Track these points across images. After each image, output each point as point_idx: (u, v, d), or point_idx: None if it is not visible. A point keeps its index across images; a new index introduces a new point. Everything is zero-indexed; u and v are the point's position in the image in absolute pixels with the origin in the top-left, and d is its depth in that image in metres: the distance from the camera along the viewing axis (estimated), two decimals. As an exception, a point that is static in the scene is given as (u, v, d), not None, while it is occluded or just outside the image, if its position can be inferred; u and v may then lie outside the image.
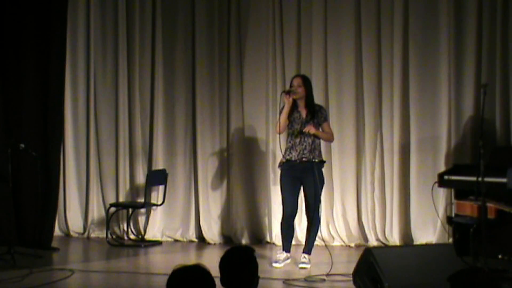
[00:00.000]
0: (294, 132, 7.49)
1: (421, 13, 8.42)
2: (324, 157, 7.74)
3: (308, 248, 7.56)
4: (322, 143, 7.77)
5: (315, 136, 7.45)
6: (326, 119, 7.60)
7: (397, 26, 8.47)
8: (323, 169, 7.59)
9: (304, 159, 7.44)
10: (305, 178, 7.45)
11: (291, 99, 7.47)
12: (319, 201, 7.51)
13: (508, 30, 8.03)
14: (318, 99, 8.67)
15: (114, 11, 9.33)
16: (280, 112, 7.55)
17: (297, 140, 7.47)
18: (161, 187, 9.10)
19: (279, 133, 7.55)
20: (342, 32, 8.71)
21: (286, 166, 7.52)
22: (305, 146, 7.45)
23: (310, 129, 7.39)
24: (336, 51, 8.73)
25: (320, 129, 7.53)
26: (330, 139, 7.74)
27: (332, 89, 8.73)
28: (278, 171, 7.76)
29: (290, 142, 7.53)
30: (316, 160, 7.48)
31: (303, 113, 7.52)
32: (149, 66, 9.28)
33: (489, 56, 8.15)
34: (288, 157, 7.49)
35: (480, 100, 7.29)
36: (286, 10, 8.85)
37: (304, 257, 7.52)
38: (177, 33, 9.21)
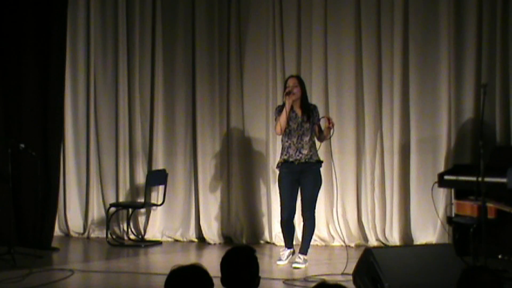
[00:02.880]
0: (290, 129, 7.51)
1: (421, 13, 8.42)
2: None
3: (304, 248, 7.58)
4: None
5: (320, 130, 7.49)
6: (320, 118, 7.63)
7: (397, 26, 8.47)
8: (321, 169, 7.60)
9: (302, 160, 7.48)
10: (302, 179, 7.50)
11: (291, 100, 7.51)
12: (315, 201, 7.54)
13: (508, 30, 8.03)
14: (318, 99, 8.70)
15: (114, 11, 9.33)
16: (278, 112, 7.58)
17: (294, 139, 7.51)
18: (161, 187, 9.10)
19: (280, 134, 7.61)
20: (342, 32, 8.71)
21: (285, 169, 7.56)
22: (302, 145, 7.50)
23: (329, 119, 7.45)
24: (336, 51, 8.73)
25: (316, 128, 7.58)
26: (324, 138, 7.72)
27: (332, 89, 8.73)
28: (278, 171, 7.77)
29: (287, 141, 7.57)
30: (314, 160, 7.51)
31: (299, 112, 7.58)
32: (149, 66, 9.29)
33: (489, 56, 8.15)
34: (285, 157, 7.54)
35: (480, 100, 7.29)
36: (286, 10, 8.85)
37: (299, 257, 7.54)
38: (177, 33, 9.21)
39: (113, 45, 9.35)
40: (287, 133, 7.57)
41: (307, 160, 7.48)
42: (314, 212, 7.56)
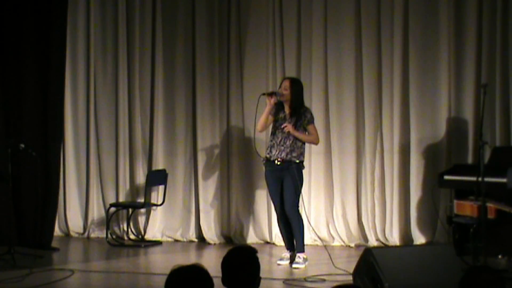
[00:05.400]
0: (276, 129, 7.59)
1: (421, 13, 8.42)
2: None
3: (298, 246, 7.59)
4: (308, 144, 7.78)
5: (295, 138, 7.51)
6: (310, 121, 7.61)
7: (397, 26, 8.47)
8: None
9: (282, 159, 7.51)
10: (284, 178, 7.54)
11: (272, 101, 7.57)
12: (298, 199, 7.54)
13: (508, 30, 8.04)
14: (318, 99, 8.71)
15: (114, 11, 9.33)
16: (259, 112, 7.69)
17: (278, 139, 7.55)
18: (161, 187, 9.10)
19: (260, 131, 7.85)
20: (342, 32, 8.71)
21: (268, 167, 7.65)
22: (284, 147, 7.53)
23: (287, 127, 7.46)
24: (336, 51, 8.72)
25: (307, 132, 7.58)
26: (313, 141, 7.78)
27: (332, 89, 8.73)
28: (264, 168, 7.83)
29: (271, 141, 7.65)
30: (296, 161, 7.52)
31: (288, 114, 7.59)
32: (149, 66, 9.29)
33: (489, 56, 8.15)
34: (268, 155, 7.63)
35: (480, 100, 7.30)
36: (286, 10, 8.85)
37: (298, 256, 7.55)
38: (177, 33, 9.21)
39: (113, 45, 9.34)
40: (272, 132, 7.65)
41: (287, 160, 7.50)
42: (297, 209, 7.55)
